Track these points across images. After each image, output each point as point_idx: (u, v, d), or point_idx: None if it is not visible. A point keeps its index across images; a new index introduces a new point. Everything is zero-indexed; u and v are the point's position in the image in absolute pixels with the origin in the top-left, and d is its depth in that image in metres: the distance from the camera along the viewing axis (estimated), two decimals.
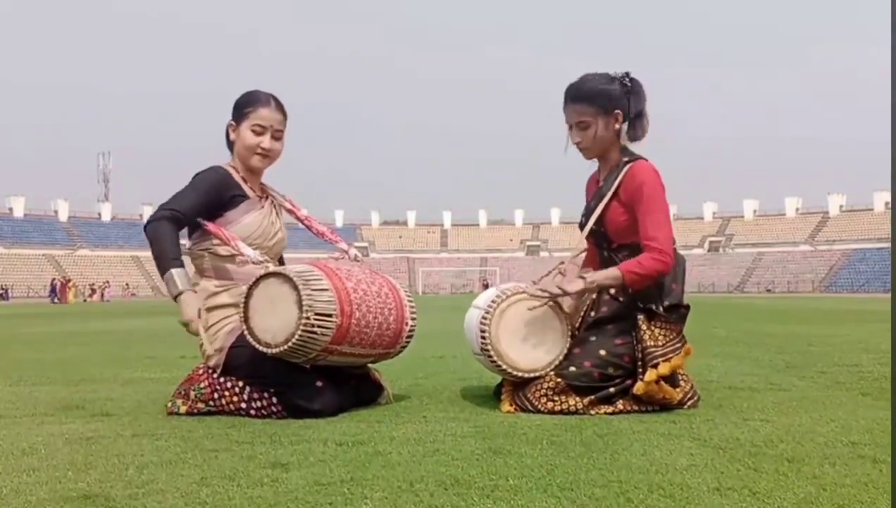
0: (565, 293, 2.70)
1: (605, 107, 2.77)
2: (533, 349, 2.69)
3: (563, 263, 2.96)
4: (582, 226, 2.90)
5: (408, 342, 2.86)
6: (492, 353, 2.67)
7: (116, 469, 1.86)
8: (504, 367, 2.67)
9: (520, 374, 2.67)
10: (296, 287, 2.47)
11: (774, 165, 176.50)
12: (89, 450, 2.08)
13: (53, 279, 48.39)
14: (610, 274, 2.68)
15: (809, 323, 9.57)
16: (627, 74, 2.83)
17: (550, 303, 2.72)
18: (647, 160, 2.78)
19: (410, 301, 2.87)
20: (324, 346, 2.49)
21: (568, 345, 2.71)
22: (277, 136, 2.86)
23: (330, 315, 2.47)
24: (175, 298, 2.60)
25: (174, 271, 2.59)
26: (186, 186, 2.74)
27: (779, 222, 78.70)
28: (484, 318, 2.70)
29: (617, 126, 2.80)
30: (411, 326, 2.83)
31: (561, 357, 2.69)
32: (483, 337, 2.68)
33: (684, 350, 2.66)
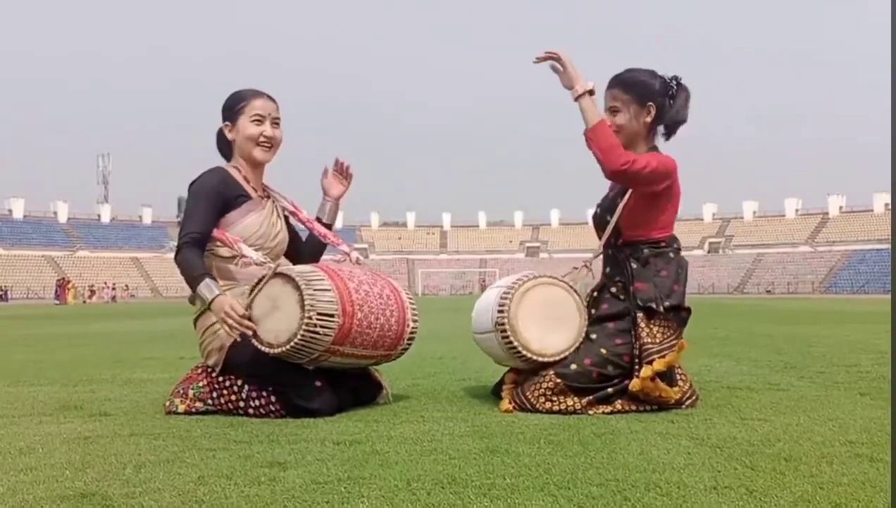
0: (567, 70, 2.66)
1: (640, 97, 2.77)
2: (546, 335, 2.70)
3: (578, 264, 2.96)
4: (596, 216, 2.92)
5: (409, 345, 2.86)
6: (507, 329, 2.67)
7: (114, 468, 1.86)
8: (515, 345, 2.67)
9: (527, 355, 2.67)
10: (298, 287, 2.47)
11: (774, 165, 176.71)
12: (87, 449, 2.09)
13: (58, 280, 48.29)
14: (594, 111, 2.64)
15: (809, 324, 9.56)
16: (676, 78, 2.82)
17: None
18: (669, 155, 2.79)
19: (412, 303, 2.86)
20: (326, 346, 2.49)
21: (580, 341, 2.71)
22: (276, 123, 2.87)
23: (332, 315, 2.47)
24: (209, 306, 2.59)
25: (201, 284, 2.59)
26: (190, 203, 2.72)
27: (778, 223, 78.64)
28: (505, 294, 2.71)
29: (648, 119, 2.78)
30: (413, 328, 2.83)
31: (571, 350, 2.69)
32: (501, 311, 2.69)
33: (678, 345, 2.67)
